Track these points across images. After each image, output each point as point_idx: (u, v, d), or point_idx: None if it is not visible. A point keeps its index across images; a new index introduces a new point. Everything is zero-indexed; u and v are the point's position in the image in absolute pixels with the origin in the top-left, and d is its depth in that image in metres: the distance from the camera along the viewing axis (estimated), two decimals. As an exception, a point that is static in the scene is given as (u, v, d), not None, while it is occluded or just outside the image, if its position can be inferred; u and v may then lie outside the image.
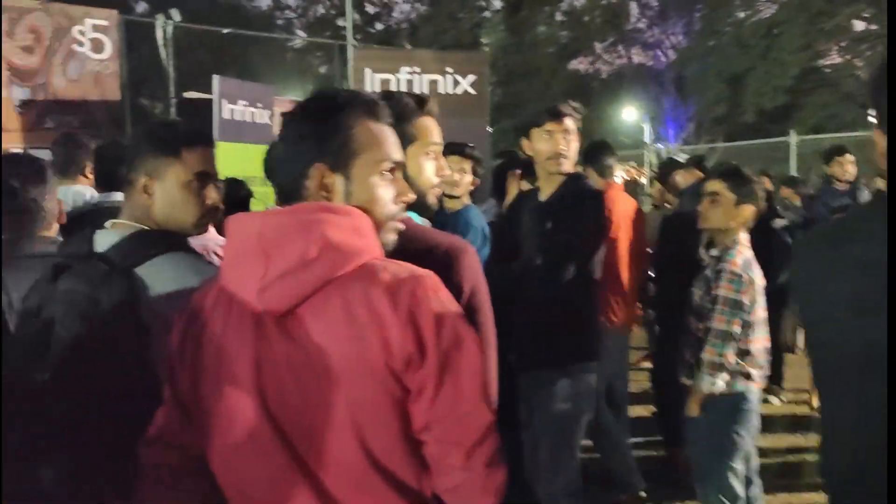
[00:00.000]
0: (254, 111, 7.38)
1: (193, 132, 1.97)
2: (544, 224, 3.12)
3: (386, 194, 1.46)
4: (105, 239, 1.85)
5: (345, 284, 1.31)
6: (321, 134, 1.40)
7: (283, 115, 1.50)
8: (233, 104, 7.06)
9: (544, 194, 3.25)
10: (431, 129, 1.86)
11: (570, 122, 3.18)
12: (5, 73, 6.77)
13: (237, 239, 1.38)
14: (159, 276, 1.77)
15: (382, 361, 1.28)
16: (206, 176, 1.95)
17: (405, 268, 1.35)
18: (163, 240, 1.85)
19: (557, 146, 3.15)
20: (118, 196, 3.20)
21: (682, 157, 6.48)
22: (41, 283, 1.81)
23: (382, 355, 1.28)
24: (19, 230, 2.26)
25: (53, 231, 2.36)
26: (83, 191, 3.52)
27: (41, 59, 6.96)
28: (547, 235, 3.09)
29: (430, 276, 1.36)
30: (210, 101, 7.23)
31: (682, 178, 5.58)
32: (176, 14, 8.87)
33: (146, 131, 1.97)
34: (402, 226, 1.53)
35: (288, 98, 10.42)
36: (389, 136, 1.48)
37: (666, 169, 5.91)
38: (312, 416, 1.31)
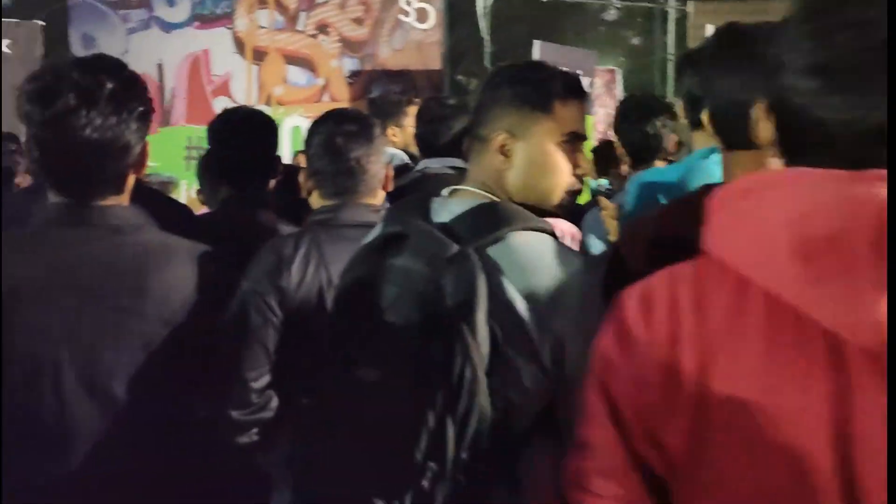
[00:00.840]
0: (573, 79, 6.96)
1: (570, 81, 1.53)
2: None
3: None
4: (444, 209, 1.47)
5: None
6: None
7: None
8: (553, 71, 6.72)
9: None
10: None
11: None
12: (337, 45, 7.00)
13: (798, 216, 0.83)
14: (514, 263, 1.36)
15: None
16: (578, 138, 1.52)
17: None
18: (518, 215, 1.43)
19: None
20: (447, 161, 2.93)
21: None
22: (366, 255, 1.48)
23: None
24: (342, 194, 1.99)
25: (379, 199, 2.07)
26: (397, 153, 3.28)
27: (370, 30, 7.11)
28: None
29: None
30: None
31: None
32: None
33: (509, 76, 1.54)
34: None
35: (604, 67, 9.96)
36: None
37: None
38: None
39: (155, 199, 2.38)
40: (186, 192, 5.87)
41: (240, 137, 2.43)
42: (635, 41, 23.65)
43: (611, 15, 24.66)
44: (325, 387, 1.49)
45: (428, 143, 3.05)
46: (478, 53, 9.49)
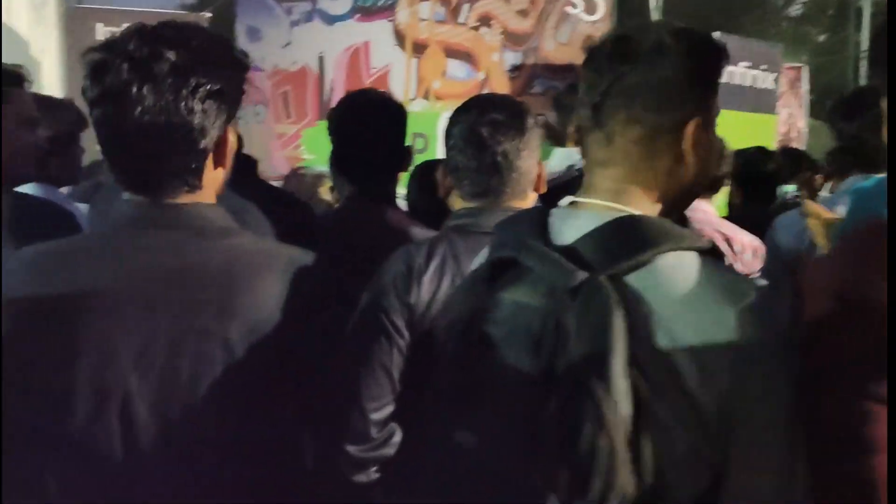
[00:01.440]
0: (755, 74, 6.37)
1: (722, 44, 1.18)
2: None
3: None
4: (567, 225, 1.12)
5: None
6: None
7: None
8: (733, 66, 6.16)
9: None
10: None
11: None
12: (500, 38, 6.74)
13: None
14: (664, 293, 1.00)
15: None
16: None
17: None
18: (669, 232, 1.06)
19: None
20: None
21: None
22: (471, 287, 1.18)
23: None
24: (484, 195, 1.68)
25: (529, 201, 1.75)
26: (572, 154, 2.93)
27: (535, 22, 6.80)
28: None
29: None
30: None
31: None
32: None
33: (686, 44, 1.12)
34: None
35: (790, 64, 9.18)
36: None
37: None
38: None
39: (268, 196, 2.10)
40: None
41: (357, 125, 2.13)
42: (821, 38, 22.08)
43: (795, 10, 23.16)
44: (419, 448, 1.20)
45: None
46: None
